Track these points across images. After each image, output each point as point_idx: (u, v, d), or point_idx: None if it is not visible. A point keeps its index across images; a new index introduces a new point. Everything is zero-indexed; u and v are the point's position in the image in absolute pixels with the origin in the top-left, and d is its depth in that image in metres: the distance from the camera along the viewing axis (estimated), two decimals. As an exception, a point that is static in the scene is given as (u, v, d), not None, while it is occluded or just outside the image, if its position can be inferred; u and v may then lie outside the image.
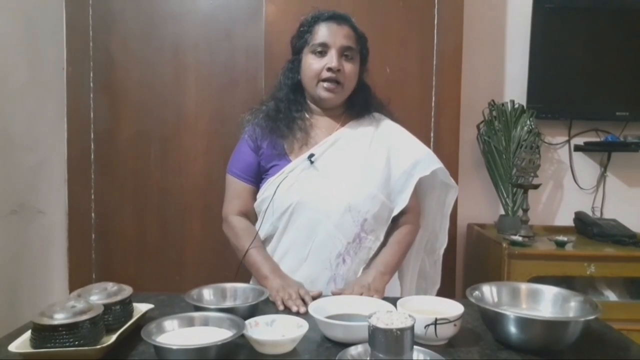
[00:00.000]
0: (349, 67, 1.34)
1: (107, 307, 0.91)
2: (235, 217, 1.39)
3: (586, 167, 2.32)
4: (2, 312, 1.60)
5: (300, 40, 1.38)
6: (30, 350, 0.81)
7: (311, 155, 1.33)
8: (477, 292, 1.01)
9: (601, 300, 1.84)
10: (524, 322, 0.88)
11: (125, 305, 0.96)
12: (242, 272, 1.34)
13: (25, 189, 1.75)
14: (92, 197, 1.88)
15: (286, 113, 1.37)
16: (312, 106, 1.42)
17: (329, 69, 1.31)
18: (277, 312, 1.08)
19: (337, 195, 1.31)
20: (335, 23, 1.34)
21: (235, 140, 1.49)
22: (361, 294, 1.18)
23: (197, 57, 1.88)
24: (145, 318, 0.99)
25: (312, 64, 1.33)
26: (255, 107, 1.45)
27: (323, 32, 1.33)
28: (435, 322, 0.88)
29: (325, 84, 1.33)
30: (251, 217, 1.41)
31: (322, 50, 1.32)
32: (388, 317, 0.76)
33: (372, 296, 1.17)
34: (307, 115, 1.40)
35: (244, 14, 1.87)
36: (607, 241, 1.95)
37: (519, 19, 2.23)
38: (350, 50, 1.34)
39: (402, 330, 0.73)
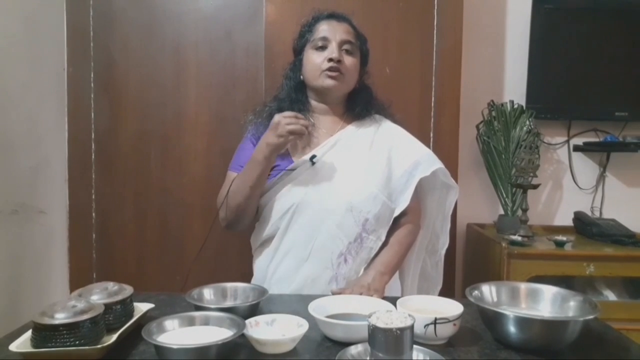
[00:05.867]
0: (349, 60, 1.35)
1: (108, 307, 0.91)
2: None
3: (585, 167, 2.32)
4: (2, 311, 1.60)
5: (301, 40, 1.40)
6: (30, 349, 0.81)
7: (313, 157, 1.33)
8: (476, 292, 1.01)
9: (600, 300, 1.85)
10: (524, 322, 0.89)
11: (126, 305, 0.96)
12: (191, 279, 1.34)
13: (25, 189, 1.75)
14: (93, 196, 1.88)
15: None
16: (315, 105, 1.42)
17: (330, 60, 1.32)
18: (277, 311, 1.04)
19: (338, 195, 1.31)
20: (335, 20, 1.37)
21: (235, 139, 1.49)
22: (361, 294, 1.18)
23: (197, 57, 1.88)
24: (146, 317, 1.00)
25: (313, 58, 1.35)
26: (259, 108, 1.46)
27: (323, 28, 1.36)
28: (435, 322, 0.88)
29: (328, 73, 1.34)
30: None
31: (323, 44, 1.34)
32: (388, 317, 0.76)
33: (371, 296, 1.17)
34: (309, 115, 1.40)
35: (244, 14, 1.87)
36: (607, 241, 1.96)
37: (518, 20, 2.23)
38: (350, 45, 1.35)
39: (401, 329, 0.73)
